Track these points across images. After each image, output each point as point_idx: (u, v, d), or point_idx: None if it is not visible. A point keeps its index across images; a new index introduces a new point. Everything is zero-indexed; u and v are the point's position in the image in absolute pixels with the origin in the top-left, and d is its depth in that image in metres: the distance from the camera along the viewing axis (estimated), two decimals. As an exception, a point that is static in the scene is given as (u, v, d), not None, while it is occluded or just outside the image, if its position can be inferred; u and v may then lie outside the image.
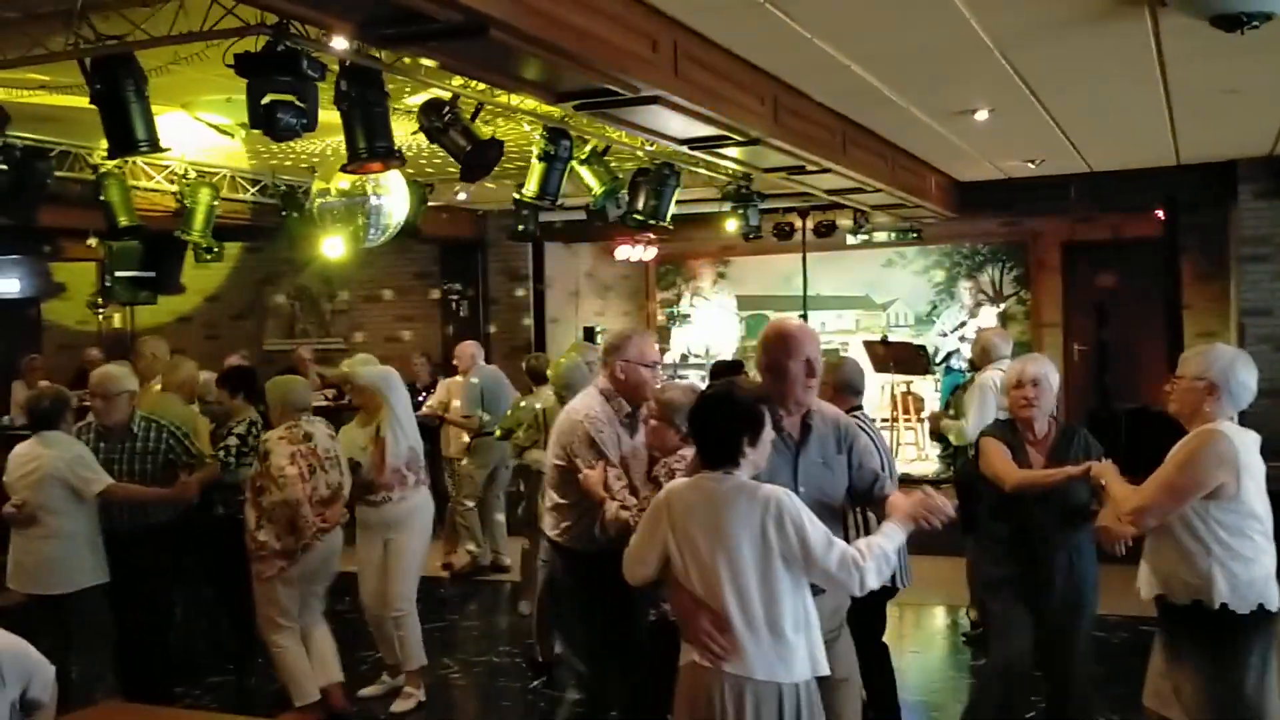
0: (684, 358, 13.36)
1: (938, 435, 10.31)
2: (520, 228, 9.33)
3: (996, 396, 6.13)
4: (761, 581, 3.13)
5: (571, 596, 4.55)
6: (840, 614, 3.71)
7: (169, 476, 5.63)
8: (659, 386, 4.56)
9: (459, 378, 8.99)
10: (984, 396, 6.36)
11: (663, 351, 13.24)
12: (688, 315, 14.52)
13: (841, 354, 12.96)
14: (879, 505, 3.68)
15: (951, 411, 7.13)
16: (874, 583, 3.18)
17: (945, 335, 11.64)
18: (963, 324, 11.56)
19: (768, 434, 3.27)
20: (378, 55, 4.88)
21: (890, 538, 3.32)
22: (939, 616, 7.72)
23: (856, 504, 3.82)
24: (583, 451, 4.33)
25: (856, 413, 5.16)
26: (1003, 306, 12.88)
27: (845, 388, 5.33)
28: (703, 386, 5.15)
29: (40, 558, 5.22)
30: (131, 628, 5.51)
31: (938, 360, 12.43)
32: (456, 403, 8.87)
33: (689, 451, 4.44)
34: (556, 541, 4.51)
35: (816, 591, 3.30)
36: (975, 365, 7.00)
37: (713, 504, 3.21)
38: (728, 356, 11.83)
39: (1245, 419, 3.89)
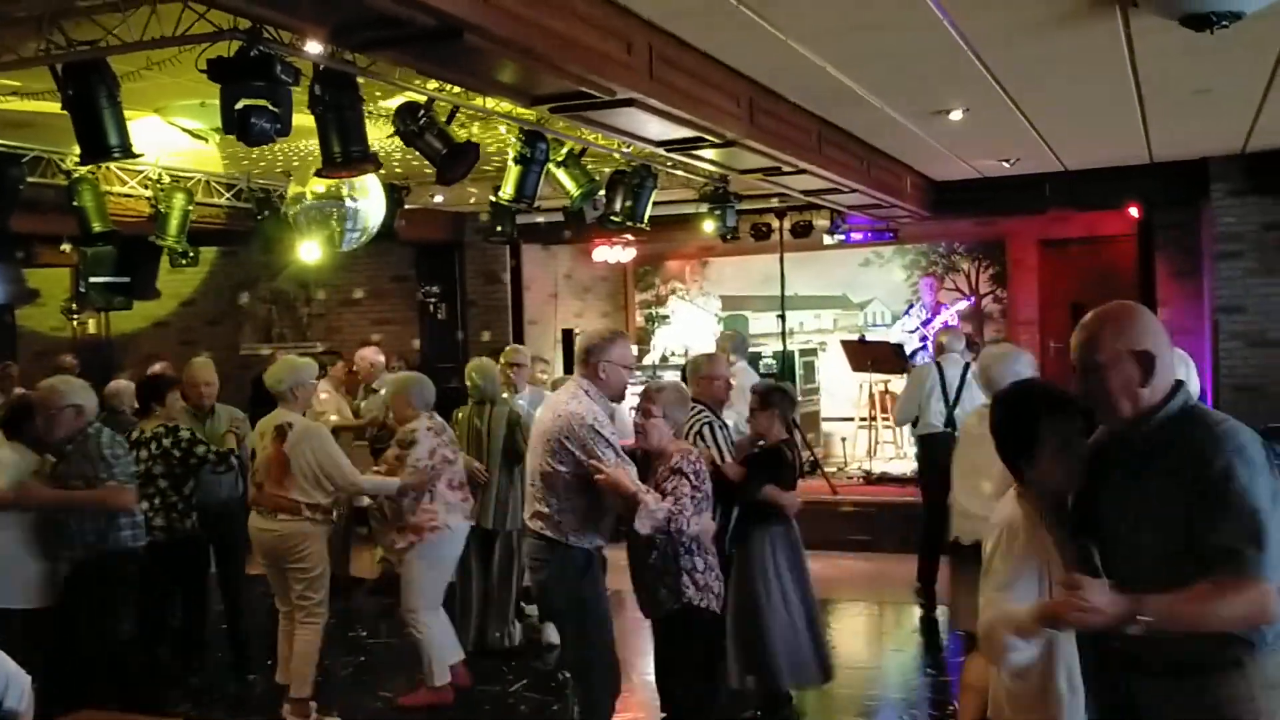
0: (664, 359, 13.35)
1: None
2: (498, 229, 9.33)
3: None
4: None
5: (582, 594, 4.57)
6: None
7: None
8: (650, 383, 4.59)
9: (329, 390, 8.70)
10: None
11: (642, 353, 13.26)
12: (667, 316, 14.52)
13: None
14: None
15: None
16: None
17: (910, 333, 11.77)
18: (924, 322, 11.73)
19: (1058, 453, 2.64)
20: (352, 59, 4.87)
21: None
22: (917, 615, 7.73)
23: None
24: (603, 452, 4.36)
25: (703, 413, 5.38)
26: (964, 305, 12.88)
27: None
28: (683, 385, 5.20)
29: None
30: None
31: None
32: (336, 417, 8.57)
33: (686, 449, 4.49)
34: (570, 545, 4.50)
35: None
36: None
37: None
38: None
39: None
